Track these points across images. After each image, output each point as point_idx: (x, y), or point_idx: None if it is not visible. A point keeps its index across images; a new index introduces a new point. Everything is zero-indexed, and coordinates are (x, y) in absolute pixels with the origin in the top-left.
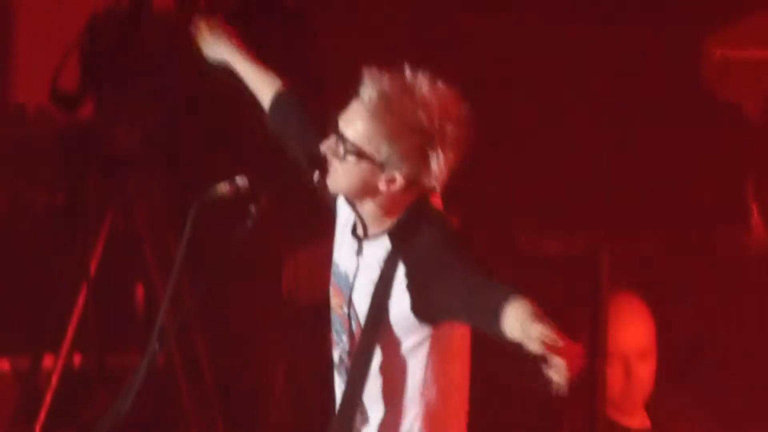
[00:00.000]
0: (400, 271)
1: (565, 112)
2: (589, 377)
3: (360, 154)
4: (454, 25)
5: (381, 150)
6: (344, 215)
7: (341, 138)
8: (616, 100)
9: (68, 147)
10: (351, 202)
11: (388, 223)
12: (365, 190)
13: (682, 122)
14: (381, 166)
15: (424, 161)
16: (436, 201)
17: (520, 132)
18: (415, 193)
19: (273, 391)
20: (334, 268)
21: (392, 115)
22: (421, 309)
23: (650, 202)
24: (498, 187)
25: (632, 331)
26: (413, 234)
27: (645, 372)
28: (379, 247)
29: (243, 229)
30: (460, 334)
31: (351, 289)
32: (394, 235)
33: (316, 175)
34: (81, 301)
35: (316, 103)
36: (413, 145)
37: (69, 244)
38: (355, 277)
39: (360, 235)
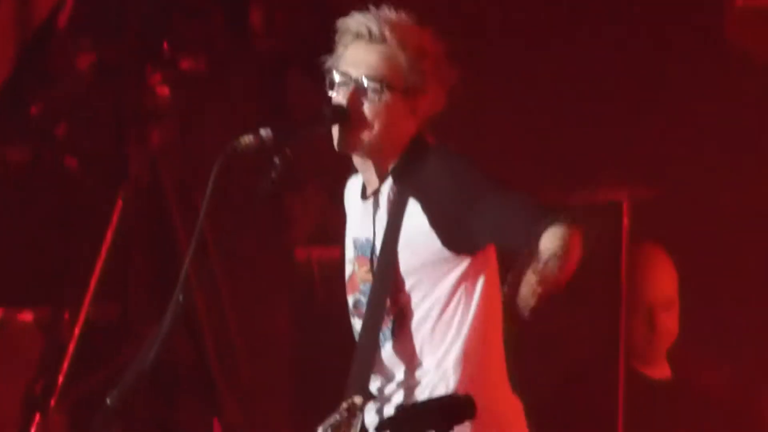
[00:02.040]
0: (413, 206)
1: (586, 65)
2: (613, 326)
3: (389, 86)
4: None
5: (405, 76)
6: (352, 196)
7: (360, 79)
8: (638, 53)
9: (92, 101)
10: (365, 156)
11: (392, 164)
12: (392, 128)
13: (703, 74)
14: (406, 93)
15: (439, 83)
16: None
17: (542, 89)
18: (418, 124)
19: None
20: (354, 245)
21: (403, 39)
22: (454, 240)
23: (674, 155)
24: (520, 141)
25: (655, 281)
26: (421, 167)
27: (668, 322)
28: (387, 192)
29: (268, 180)
30: (492, 271)
31: (374, 248)
32: (397, 171)
33: (335, 130)
34: (103, 253)
35: None
36: (428, 66)
37: (93, 196)
38: (374, 235)
39: (370, 193)
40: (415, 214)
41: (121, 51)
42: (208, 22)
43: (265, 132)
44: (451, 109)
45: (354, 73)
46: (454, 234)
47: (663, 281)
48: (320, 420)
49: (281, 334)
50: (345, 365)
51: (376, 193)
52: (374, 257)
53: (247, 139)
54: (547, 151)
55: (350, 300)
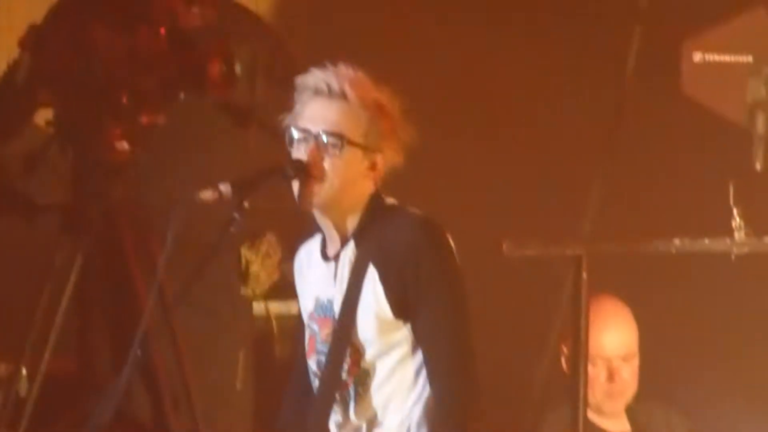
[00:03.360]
0: (372, 272)
1: (549, 116)
2: (572, 379)
3: (348, 141)
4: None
5: (364, 132)
6: (311, 258)
7: (319, 134)
8: (598, 104)
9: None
10: (325, 213)
11: (353, 223)
12: (352, 184)
13: (663, 126)
14: (365, 149)
15: (397, 140)
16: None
17: (504, 135)
18: (375, 181)
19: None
20: (315, 305)
21: (362, 96)
22: (404, 313)
23: (632, 206)
24: (481, 191)
25: (615, 333)
26: (380, 230)
27: (627, 375)
28: (349, 254)
29: (226, 234)
30: None
31: (334, 310)
32: (358, 234)
33: (296, 185)
34: (62, 306)
35: None
36: (386, 124)
37: (51, 250)
38: (334, 298)
39: (332, 255)
40: (372, 280)
41: (79, 105)
42: (166, 75)
43: (224, 187)
44: (408, 161)
45: (313, 128)
46: (404, 308)
47: (622, 334)
48: None
49: (240, 389)
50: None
51: (337, 254)
52: (329, 320)
53: (207, 194)
54: (506, 204)
55: (312, 363)
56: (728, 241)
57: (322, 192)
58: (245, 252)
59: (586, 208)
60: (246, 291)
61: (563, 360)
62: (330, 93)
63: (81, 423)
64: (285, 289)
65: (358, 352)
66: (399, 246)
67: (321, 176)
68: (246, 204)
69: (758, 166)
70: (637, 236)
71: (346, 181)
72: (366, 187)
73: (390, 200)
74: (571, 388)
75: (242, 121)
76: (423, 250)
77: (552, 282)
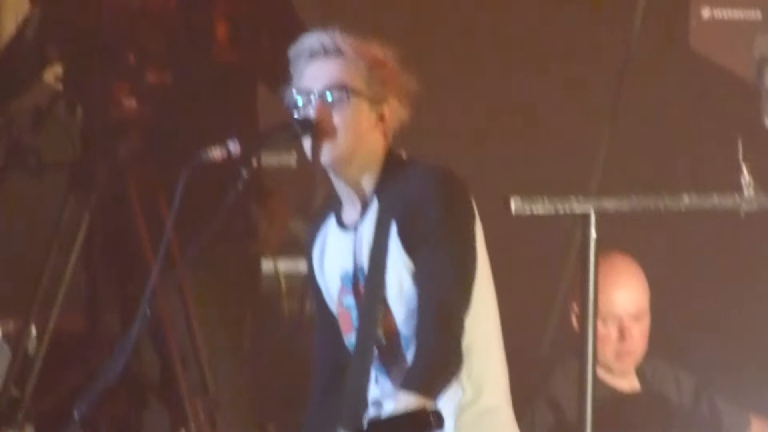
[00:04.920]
0: (394, 229)
1: (557, 72)
2: (581, 338)
3: (353, 92)
4: None
5: (366, 83)
6: (320, 246)
7: (323, 92)
8: (604, 63)
9: (59, 113)
10: (340, 171)
11: (370, 182)
12: (363, 137)
13: (671, 82)
14: (371, 101)
15: (401, 90)
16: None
17: (512, 91)
18: (386, 135)
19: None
20: (342, 283)
21: (358, 49)
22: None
23: (641, 163)
24: (489, 147)
25: (626, 292)
26: (400, 187)
27: (638, 334)
28: (373, 213)
29: (234, 191)
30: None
31: (357, 278)
32: (380, 192)
33: (307, 144)
34: (70, 264)
35: None
36: (387, 74)
37: (59, 208)
38: (356, 265)
39: (351, 220)
40: (394, 235)
41: (88, 62)
42: (173, 34)
43: (232, 144)
44: (414, 116)
45: (316, 87)
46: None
47: (633, 292)
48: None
49: (247, 347)
50: (309, 376)
51: (359, 217)
52: (359, 287)
53: (215, 151)
54: (514, 161)
55: (349, 338)
56: (737, 197)
57: (335, 148)
58: (254, 209)
59: (595, 165)
60: (254, 249)
61: (574, 318)
62: (326, 52)
63: (89, 380)
64: (293, 247)
65: (390, 311)
66: (416, 199)
67: (332, 132)
68: (255, 162)
69: (766, 122)
70: (646, 193)
71: (357, 134)
72: (378, 142)
73: (405, 155)
74: (580, 345)
75: (249, 81)
76: (435, 200)
77: (561, 239)
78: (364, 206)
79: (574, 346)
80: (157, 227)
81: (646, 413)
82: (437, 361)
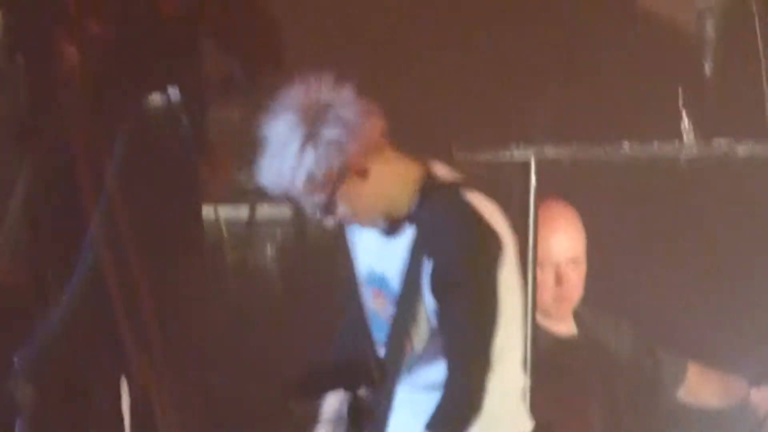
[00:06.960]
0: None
1: (500, 21)
2: (522, 284)
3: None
4: None
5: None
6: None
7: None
8: (549, 13)
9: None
10: (372, 224)
11: (403, 207)
12: (369, 199)
13: (614, 31)
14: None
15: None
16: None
17: (456, 38)
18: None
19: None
20: (365, 276)
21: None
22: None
23: (581, 112)
24: (432, 94)
25: (563, 237)
26: (433, 211)
27: (575, 279)
28: (406, 235)
29: (176, 139)
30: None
31: (388, 284)
32: (418, 218)
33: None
34: (11, 215)
35: None
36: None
37: (1, 161)
38: (388, 271)
39: (389, 230)
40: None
41: (28, 12)
42: None
43: (173, 91)
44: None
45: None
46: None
47: (569, 238)
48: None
49: (190, 295)
50: (253, 323)
51: (394, 232)
52: (388, 292)
53: (156, 98)
54: (455, 108)
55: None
56: (677, 144)
57: (357, 216)
58: (196, 156)
59: (536, 113)
60: (195, 195)
61: None
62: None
63: (31, 333)
64: (235, 194)
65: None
66: (444, 246)
67: (350, 210)
68: (196, 110)
69: (707, 71)
70: (586, 141)
71: (364, 204)
72: (385, 177)
73: (444, 175)
74: (521, 291)
75: (192, 32)
76: (460, 249)
77: (501, 187)
78: (399, 226)
79: None
80: (99, 178)
81: (585, 358)
82: (458, 408)
